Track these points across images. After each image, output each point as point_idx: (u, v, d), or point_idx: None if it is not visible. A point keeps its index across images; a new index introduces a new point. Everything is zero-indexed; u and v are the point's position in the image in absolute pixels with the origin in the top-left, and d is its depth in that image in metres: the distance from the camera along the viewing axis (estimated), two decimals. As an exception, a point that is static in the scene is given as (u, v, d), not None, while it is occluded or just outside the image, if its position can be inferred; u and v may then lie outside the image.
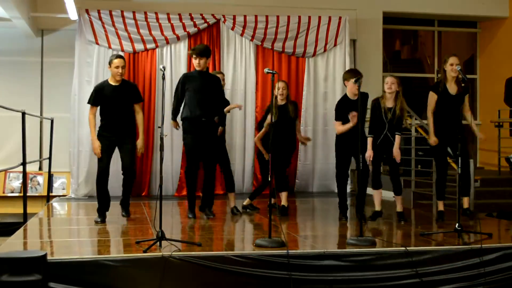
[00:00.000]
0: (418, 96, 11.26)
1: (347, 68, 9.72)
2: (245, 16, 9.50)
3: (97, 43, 9.09)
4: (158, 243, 4.64)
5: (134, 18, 9.18)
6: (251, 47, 9.58)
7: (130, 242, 5.03)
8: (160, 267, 4.29)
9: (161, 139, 5.15)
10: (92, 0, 9.22)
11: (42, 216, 7.01)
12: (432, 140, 6.40)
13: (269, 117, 6.53)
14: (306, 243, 5.28)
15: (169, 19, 9.28)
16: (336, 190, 6.83)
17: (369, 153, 6.19)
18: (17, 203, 8.50)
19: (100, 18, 9.07)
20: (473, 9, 10.88)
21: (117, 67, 6.16)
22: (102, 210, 6.22)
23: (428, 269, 4.66)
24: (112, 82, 6.25)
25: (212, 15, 9.45)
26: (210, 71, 9.32)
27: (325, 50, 9.78)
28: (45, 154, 9.35)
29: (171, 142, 8.98)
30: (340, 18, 9.78)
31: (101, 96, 6.22)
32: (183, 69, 9.10)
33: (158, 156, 8.47)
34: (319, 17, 9.71)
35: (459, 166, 5.65)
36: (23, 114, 7.06)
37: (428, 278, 4.63)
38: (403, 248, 4.71)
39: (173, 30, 9.29)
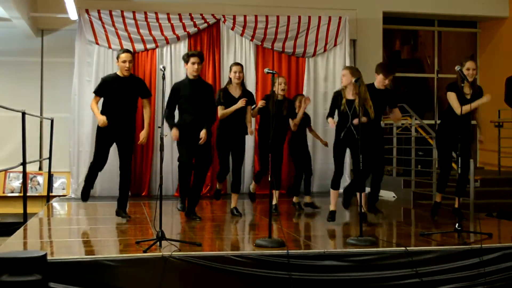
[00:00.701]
0: (418, 96, 11.28)
1: (348, 67, 9.73)
2: (245, 16, 9.50)
3: (97, 43, 9.09)
4: (158, 243, 4.64)
5: (134, 18, 9.18)
6: (251, 47, 9.58)
7: (130, 242, 5.03)
8: (160, 267, 4.29)
9: (161, 139, 5.15)
10: (92, 0, 9.23)
11: (42, 216, 7.01)
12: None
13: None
14: (306, 243, 5.27)
15: (169, 19, 9.29)
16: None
17: (331, 122, 6.10)
18: (17, 203, 8.50)
19: (100, 18, 9.08)
20: (473, 9, 10.88)
21: (124, 61, 6.19)
22: (86, 193, 6.42)
23: (428, 269, 4.66)
24: (119, 74, 6.28)
25: (212, 15, 9.45)
26: (210, 71, 9.40)
27: (325, 50, 9.79)
28: (45, 154, 9.35)
29: (171, 142, 8.96)
30: (340, 18, 9.79)
31: (108, 87, 6.24)
32: (183, 69, 9.09)
33: (158, 156, 8.48)
34: (319, 17, 9.71)
35: (459, 166, 5.65)
36: (23, 114, 7.06)
37: (428, 278, 4.62)
38: (403, 248, 4.71)
39: (173, 30, 9.29)
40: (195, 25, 9.36)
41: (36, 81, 9.66)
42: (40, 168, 9.64)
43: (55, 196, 9.14)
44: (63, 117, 9.15)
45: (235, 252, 4.54)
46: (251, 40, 9.54)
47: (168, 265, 4.30)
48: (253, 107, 6.69)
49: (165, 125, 6.00)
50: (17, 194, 9.31)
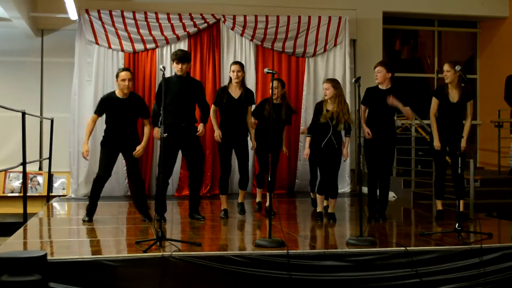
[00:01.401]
0: (418, 96, 11.26)
1: (347, 68, 9.74)
2: (245, 16, 9.50)
3: (97, 43, 9.09)
4: (158, 243, 4.64)
5: (134, 18, 9.18)
6: (251, 47, 9.58)
7: (130, 242, 5.03)
8: (160, 267, 4.29)
9: (161, 139, 5.15)
10: (92, 0, 9.23)
11: (42, 216, 7.01)
12: (436, 145, 6.42)
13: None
14: (306, 243, 5.27)
15: (169, 19, 9.29)
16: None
17: (306, 152, 6.34)
18: (17, 203, 8.50)
19: (100, 18, 9.08)
20: (473, 9, 10.88)
21: (123, 80, 6.11)
22: (92, 211, 6.27)
23: (428, 269, 4.67)
24: (119, 95, 6.20)
25: (212, 15, 9.45)
26: (210, 71, 9.39)
27: (325, 50, 9.79)
28: (45, 154, 9.35)
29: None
30: (340, 18, 9.78)
31: (107, 108, 6.21)
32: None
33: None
34: (319, 17, 9.71)
35: (459, 166, 5.65)
36: (23, 114, 7.06)
37: (428, 278, 4.63)
38: (403, 248, 4.71)
39: (173, 30, 9.29)
40: (195, 25, 9.36)
41: (36, 81, 9.65)
42: (40, 168, 9.64)
43: (55, 196, 9.14)
44: (63, 117, 9.15)
45: (235, 252, 4.54)
46: (251, 40, 9.54)
47: (168, 265, 4.31)
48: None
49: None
50: (17, 194, 9.30)
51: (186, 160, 6.42)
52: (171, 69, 9.08)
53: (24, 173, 7.08)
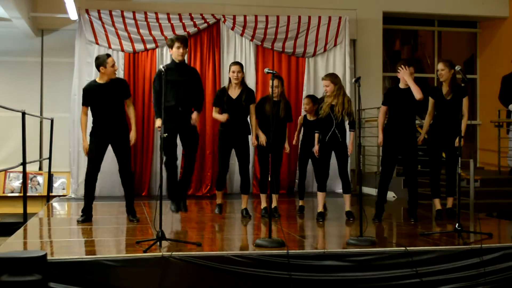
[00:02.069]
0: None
1: (347, 68, 9.74)
2: (245, 16, 9.50)
3: (97, 43, 9.09)
4: (158, 243, 4.64)
5: (134, 18, 9.18)
6: (251, 47, 9.58)
7: (130, 242, 5.03)
8: (160, 267, 4.29)
9: (161, 139, 5.15)
10: (92, 0, 9.23)
11: (42, 216, 7.00)
12: (420, 139, 6.52)
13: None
14: (306, 243, 5.27)
15: (169, 19, 9.29)
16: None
17: (315, 148, 6.44)
18: (17, 203, 8.50)
19: (100, 18, 9.08)
20: (473, 9, 10.88)
21: (113, 65, 6.15)
22: (87, 210, 6.23)
23: (428, 269, 4.66)
24: (101, 81, 6.20)
25: (212, 15, 9.45)
26: (210, 71, 9.39)
27: (325, 50, 9.79)
28: (45, 154, 9.35)
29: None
30: (340, 18, 9.79)
31: (90, 96, 6.19)
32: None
33: (158, 156, 8.48)
34: (319, 17, 9.71)
35: (459, 166, 5.66)
36: (23, 114, 7.06)
37: (428, 278, 4.63)
38: (403, 248, 4.71)
39: (173, 30, 9.29)
40: (195, 25, 9.36)
41: (36, 81, 9.65)
42: (40, 168, 9.64)
43: (55, 196, 9.14)
44: (63, 117, 9.15)
45: (235, 252, 4.54)
46: (251, 40, 9.55)
47: (168, 265, 4.30)
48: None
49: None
50: (17, 194, 9.30)
51: (182, 144, 6.38)
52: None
53: (24, 173, 7.08)
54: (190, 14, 9.34)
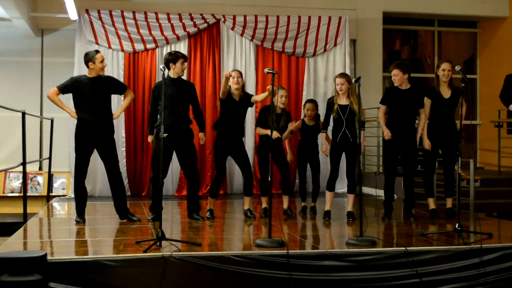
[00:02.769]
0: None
1: (347, 68, 9.74)
2: (245, 16, 9.50)
3: (97, 43, 9.09)
4: (158, 243, 4.64)
5: (134, 18, 9.18)
6: (251, 47, 9.58)
7: (130, 242, 5.03)
8: (160, 267, 4.29)
9: (161, 139, 5.15)
10: (92, 0, 9.23)
11: (42, 216, 7.00)
12: (427, 143, 6.52)
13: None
14: (306, 243, 5.27)
15: (169, 19, 9.29)
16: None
17: (324, 147, 6.49)
18: (17, 203, 8.51)
19: (100, 18, 9.08)
20: (473, 9, 10.89)
21: (102, 61, 6.11)
22: (82, 210, 6.24)
23: (428, 269, 4.66)
24: (90, 75, 6.14)
25: (212, 15, 9.45)
26: (210, 71, 9.39)
27: (325, 50, 9.79)
28: (45, 154, 9.35)
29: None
30: (340, 18, 9.79)
31: (77, 88, 6.09)
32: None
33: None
34: (319, 17, 9.71)
35: (459, 166, 5.67)
36: (23, 114, 7.07)
37: (428, 278, 4.63)
38: (403, 248, 4.71)
39: (173, 30, 9.29)
40: (195, 25, 9.36)
41: (36, 81, 9.65)
42: (40, 168, 9.64)
43: (55, 196, 9.14)
44: (63, 117, 9.08)
45: (235, 252, 4.54)
46: (251, 40, 9.54)
47: (168, 265, 4.31)
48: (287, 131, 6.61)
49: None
50: (17, 194, 9.31)
51: (180, 161, 6.39)
52: (158, 72, 9.09)
53: (24, 173, 7.08)
54: (190, 14, 9.34)
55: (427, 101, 6.57)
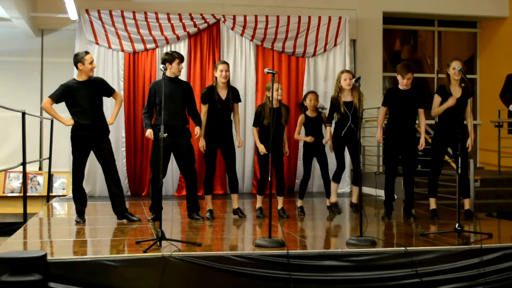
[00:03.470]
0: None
1: (347, 68, 9.73)
2: (245, 16, 9.50)
3: (97, 43, 9.09)
4: (158, 243, 4.64)
5: (134, 18, 9.18)
6: (251, 47, 9.58)
7: (130, 242, 5.03)
8: (160, 267, 4.29)
9: (161, 139, 5.15)
10: (92, 0, 9.23)
11: (42, 216, 7.01)
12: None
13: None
14: (306, 243, 5.27)
15: (169, 19, 9.29)
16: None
17: (326, 139, 6.63)
18: (17, 203, 8.50)
19: (100, 18, 9.08)
20: (473, 9, 10.89)
21: (91, 62, 6.10)
22: (82, 211, 6.25)
23: (428, 269, 4.66)
24: (79, 79, 6.14)
25: (212, 15, 9.45)
26: (210, 71, 9.38)
27: (325, 50, 9.79)
28: (45, 154, 9.35)
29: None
30: (340, 18, 9.79)
31: (69, 94, 6.09)
32: (183, 69, 9.09)
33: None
34: (319, 17, 9.71)
35: (459, 166, 5.67)
36: (23, 114, 7.07)
37: (428, 278, 4.63)
38: (403, 248, 4.71)
39: (173, 30, 9.29)
40: (195, 25, 9.36)
41: (36, 81, 9.66)
42: (40, 168, 9.64)
43: (55, 196, 9.14)
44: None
45: (235, 252, 4.54)
46: (251, 40, 9.55)
47: (168, 265, 4.31)
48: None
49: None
50: (17, 194, 9.31)
51: (177, 161, 6.38)
52: (158, 72, 9.10)
53: (24, 173, 7.08)
54: (190, 14, 9.34)
55: (436, 98, 6.54)
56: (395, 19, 10.97)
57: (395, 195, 6.72)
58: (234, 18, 9.48)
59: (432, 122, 7.45)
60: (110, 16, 9.09)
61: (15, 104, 7.70)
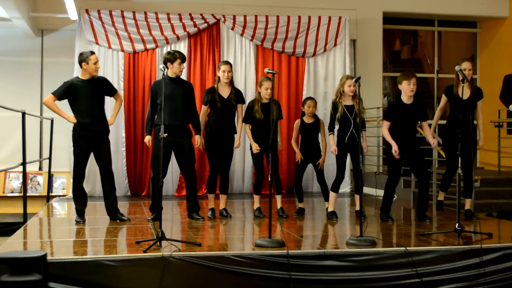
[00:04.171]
0: (418, 96, 11.24)
1: (347, 68, 9.74)
2: (245, 16, 9.50)
3: (97, 43, 9.09)
4: (158, 243, 4.64)
5: (134, 18, 9.19)
6: (251, 47, 9.59)
7: (130, 242, 5.03)
8: (160, 267, 4.29)
9: (161, 139, 5.15)
10: (92, 0, 9.23)
11: (42, 216, 7.00)
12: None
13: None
14: (306, 243, 5.27)
15: (169, 19, 9.29)
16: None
17: (333, 148, 6.43)
18: (17, 203, 8.51)
19: (100, 18, 9.08)
20: (473, 9, 10.89)
21: (95, 63, 6.12)
22: (82, 211, 6.25)
23: (428, 269, 4.66)
24: (84, 77, 6.16)
25: (212, 15, 9.45)
26: (210, 71, 9.39)
27: (325, 50, 9.79)
28: (45, 154, 9.35)
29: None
30: (340, 18, 9.79)
31: (73, 93, 6.11)
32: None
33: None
34: (319, 17, 9.72)
35: (459, 166, 5.66)
36: (23, 114, 7.07)
37: (428, 278, 4.63)
38: (403, 248, 4.71)
39: (173, 30, 9.29)
40: (195, 25, 9.36)
41: (36, 81, 9.66)
42: (40, 168, 9.64)
43: (55, 196, 9.14)
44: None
45: (235, 252, 4.54)
46: (251, 40, 9.55)
47: (168, 265, 4.31)
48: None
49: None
50: (17, 194, 9.31)
51: (177, 161, 6.39)
52: (158, 72, 9.10)
53: (24, 173, 7.08)
54: (190, 14, 9.34)
55: (444, 99, 6.55)
56: (395, 19, 10.97)
57: (395, 196, 6.71)
58: (234, 18, 9.48)
59: (432, 122, 7.43)
60: (110, 16, 9.10)
61: (15, 104, 7.70)
